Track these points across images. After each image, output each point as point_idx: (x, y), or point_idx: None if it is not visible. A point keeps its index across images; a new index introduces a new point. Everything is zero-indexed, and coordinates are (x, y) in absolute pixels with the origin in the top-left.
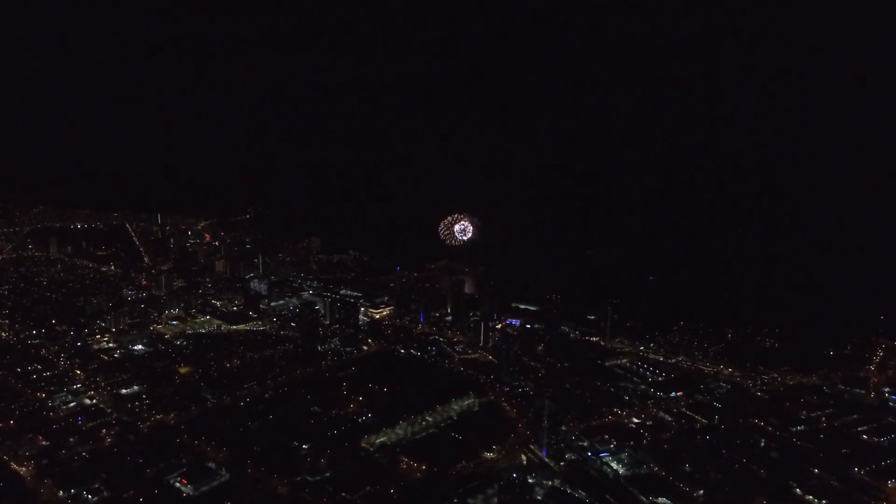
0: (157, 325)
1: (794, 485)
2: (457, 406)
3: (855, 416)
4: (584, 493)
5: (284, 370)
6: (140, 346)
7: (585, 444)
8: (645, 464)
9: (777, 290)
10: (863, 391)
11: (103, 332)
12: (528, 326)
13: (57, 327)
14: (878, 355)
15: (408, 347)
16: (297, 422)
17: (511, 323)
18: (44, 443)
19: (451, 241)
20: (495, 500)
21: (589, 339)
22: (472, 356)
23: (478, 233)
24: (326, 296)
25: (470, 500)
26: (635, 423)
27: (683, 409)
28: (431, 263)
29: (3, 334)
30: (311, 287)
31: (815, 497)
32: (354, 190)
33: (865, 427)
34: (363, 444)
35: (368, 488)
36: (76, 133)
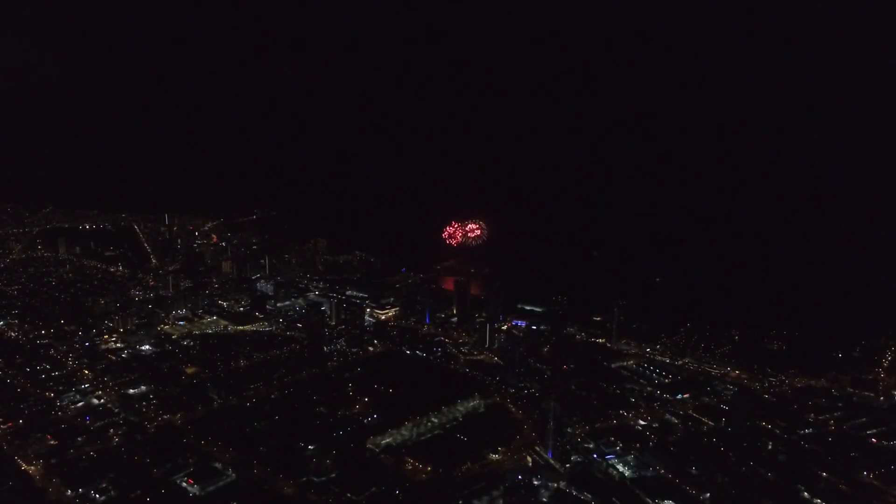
0: (165, 325)
1: (802, 488)
2: (462, 407)
3: (864, 419)
4: (589, 496)
5: (290, 371)
6: (147, 347)
7: (591, 446)
8: (651, 466)
9: (785, 292)
10: (872, 394)
11: (111, 332)
12: (534, 328)
13: (65, 327)
14: (888, 358)
15: (413, 348)
16: (302, 422)
17: (517, 324)
18: (52, 442)
19: (455, 242)
20: (500, 501)
21: (595, 341)
22: (478, 357)
23: (485, 235)
24: (332, 297)
25: (475, 502)
26: (641, 425)
27: (690, 412)
28: (437, 264)
29: (13, 334)
30: (317, 288)
31: (823, 500)
32: (360, 191)
33: (874, 430)
34: (369, 445)
35: (374, 489)
36: (84, 134)
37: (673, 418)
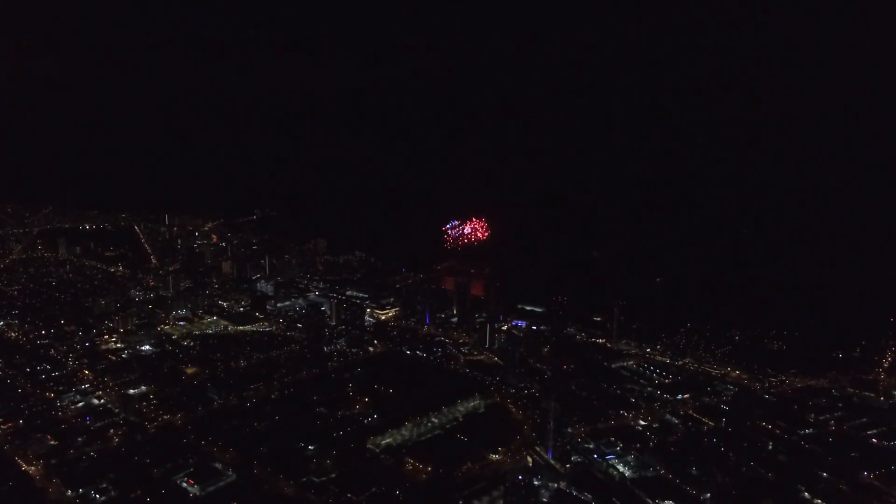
0: (165, 325)
1: (803, 488)
2: (462, 407)
3: (864, 419)
4: (589, 496)
5: (290, 371)
6: (147, 347)
7: (591, 446)
8: (651, 466)
9: (785, 292)
10: (872, 394)
11: (111, 332)
12: (534, 328)
13: (65, 328)
14: (888, 358)
15: (414, 348)
16: (303, 423)
17: (517, 324)
18: (52, 442)
19: (454, 244)
20: (501, 502)
21: (595, 341)
22: (478, 357)
23: (485, 235)
24: (332, 297)
25: (475, 502)
26: (642, 426)
27: (690, 412)
28: (438, 264)
29: (13, 334)
30: (317, 288)
31: (823, 501)
32: (361, 191)
33: (875, 430)
34: (369, 445)
35: (374, 489)
36: (84, 134)
37: (673, 418)
